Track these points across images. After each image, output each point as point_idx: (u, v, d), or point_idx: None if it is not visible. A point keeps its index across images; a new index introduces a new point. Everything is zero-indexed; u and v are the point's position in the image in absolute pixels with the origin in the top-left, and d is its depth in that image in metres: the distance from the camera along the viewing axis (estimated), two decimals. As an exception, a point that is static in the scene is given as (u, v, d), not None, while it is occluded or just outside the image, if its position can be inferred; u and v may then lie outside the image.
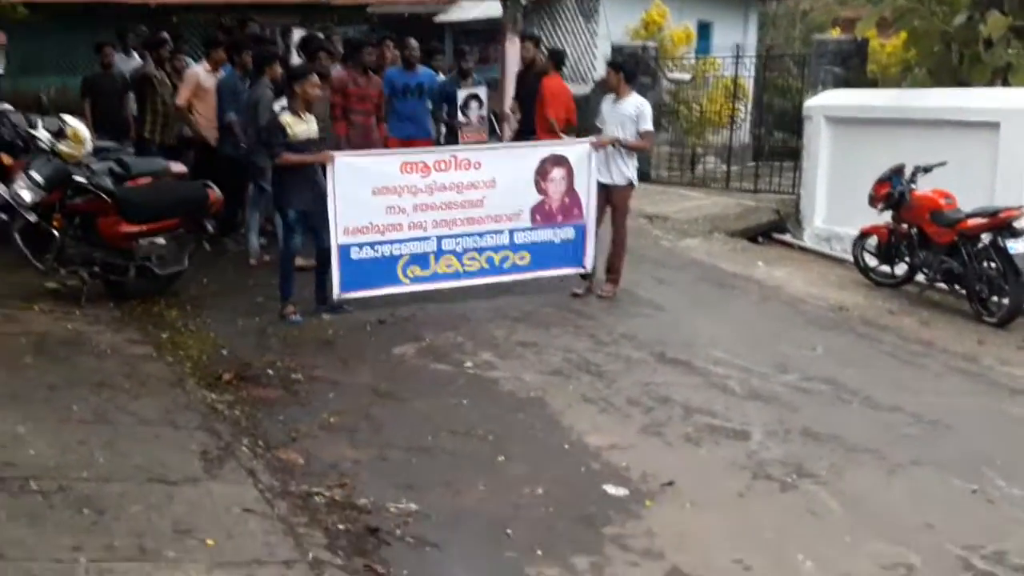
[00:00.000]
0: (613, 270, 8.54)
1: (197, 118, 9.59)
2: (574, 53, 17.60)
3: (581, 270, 8.47)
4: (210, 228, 8.09)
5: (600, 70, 17.16)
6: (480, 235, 8.06)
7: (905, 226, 9.21)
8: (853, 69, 12.79)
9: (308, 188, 7.46)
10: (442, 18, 17.71)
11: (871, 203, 9.53)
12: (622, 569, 4.27)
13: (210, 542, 4.02)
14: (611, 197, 8.41)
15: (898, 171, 9.30)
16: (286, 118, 7.35)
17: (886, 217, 9.43)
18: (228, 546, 4.03)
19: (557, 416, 5.90)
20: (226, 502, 4.41)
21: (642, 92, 15.18)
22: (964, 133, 9.52)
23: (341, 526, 4.44)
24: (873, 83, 13.80)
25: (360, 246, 7.67)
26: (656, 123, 15.81)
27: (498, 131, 11.10)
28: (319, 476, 4.96)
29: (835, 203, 10.92)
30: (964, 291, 8.68)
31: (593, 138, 8.38)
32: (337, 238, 7.55)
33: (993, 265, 8.32)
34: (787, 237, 12.04)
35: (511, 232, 8.17)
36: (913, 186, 9.13)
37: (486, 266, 8.12)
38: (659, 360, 6.92)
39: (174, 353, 6.53)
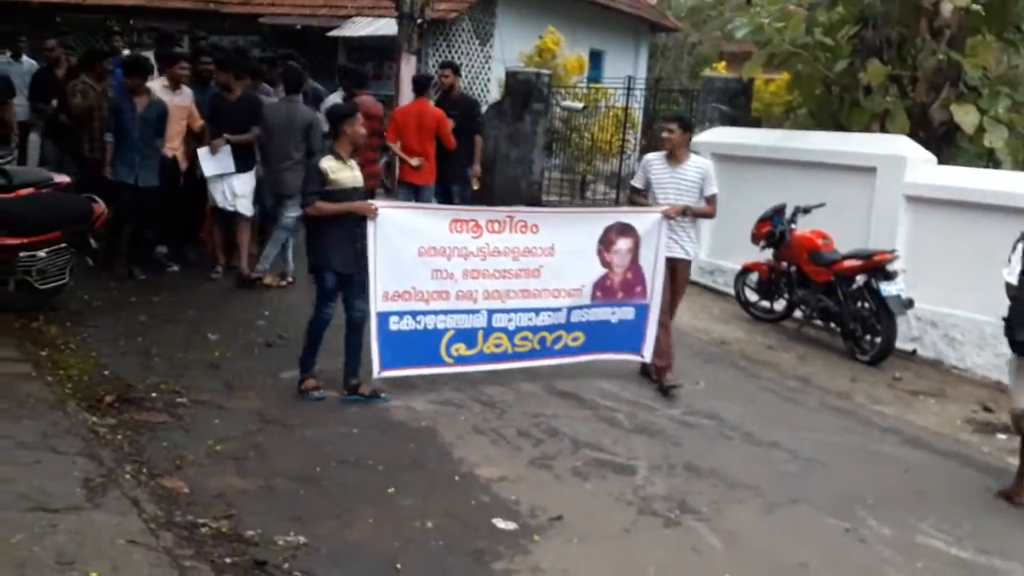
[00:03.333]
0: (665, 354, 7.44)
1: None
2: (468, 75, 17.71)
3: (638, 357, 7.46)
4: (93, 243, 7.88)
5: (494, 93, 17.37)
6: (536, 312, 7.07)
7: (785, 264, 9.54)
8: (739, 107, 13.21)
9: (349, 245, 6.48)
10: (335, 33, 17.57)
11: (753, 240, 9.85)
12: (510, 606, 4.32)
13: (94, 574, 3.92)
14: (672, 271, 7.39)
15: (779, 211, 9.63)
16: (329, 163, 6.38)
17: (767, 254, 9.76)
18: (112, 580, 3.93)
19: (448, 447, 5.92)
20: (110, 533, 4.31)
21: (535, 119, 15.62)
22: (843, 176, 9.91)
23: (228, 559, 4.38)
24: (757, 121, 14.26)
25: (400, 315, 6.69)
26: (548, 149, 16.22)
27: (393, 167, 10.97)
28: (205, 506, 4.87)
29: (719, 238, 11.22)
30: (839, 329, 9.05)
31: (666, 207, 7.26)
32: (376, 304, 6.60)
33: (867, 305, 8.70)
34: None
35: (569, 310, 7.17)
36: (793, 226, 9.47)
37: (537, 347, 7.16)
38: (549, 392, 7.01)
39: (54, 372, 6.36)
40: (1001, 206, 8.51)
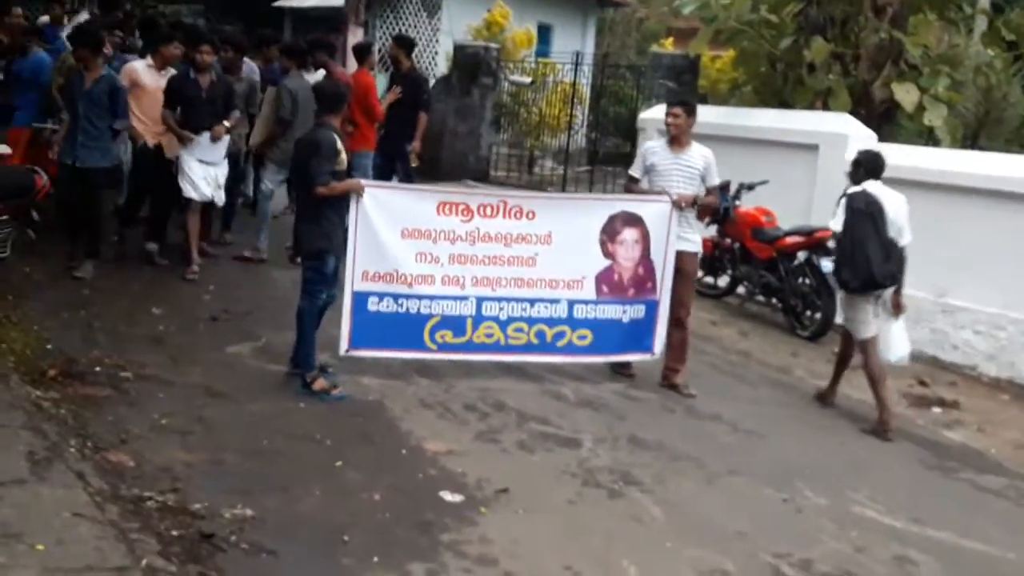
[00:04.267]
0: (679, 358, 7.16)
1: (131, 119, 8.48)
2: (416, 49, 17.59)
3: (649, 356, 7.08)
4: (35, 216, 7.76)
5: (442, 67, 17.32)
6: (531, 302, 6.76)
7: (728, 240, 9.67)
8: (686, 84, 13.35)
9: (343, 227, 6.35)
10: (282, 3, 17.39)
11: (697, 217, 9.93)
12: (457, 576, 4.39)
13: (39, 547, 3.90)
14: (680, 264, 7.04)
15: (723, 187, 9.71)
16: (339, 142, 6.20)
17: (712, 231, 9.88)
18: (58, 552, 3.91)
19: (395, 421, 5.96)
20: (55, 506, 4.28)
21: (483, 93, 15.62)
22: (786, 153, 10.06)
23: (174, 532, 4.37)
24: (704, 98, 14.39)
25: (380, 296, 6.49)
26: (496, 123, 16.23)
27: None
28: (151, 480, 4.85)
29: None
30: (780, 305, 9.21)
31: (674, 194, 6.92)
32: (354, 283, 6.44)
33: (808, 282, 8.87)
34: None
35: (570, 303, 6.83)
36: (737, 202, 9.58)
37: (535, 341, 6.81)
38: (496, 366, 7.03)
39: (-6, 346, 6.26)
40: (937, 184, 8.71)
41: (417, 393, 6.42)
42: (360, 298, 6.46)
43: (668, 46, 20.63)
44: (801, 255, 8.91)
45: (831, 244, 8.66)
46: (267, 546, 4.38)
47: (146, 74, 8.67)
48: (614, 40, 25.51)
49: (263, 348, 6.99)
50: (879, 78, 10.72)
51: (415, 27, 17.80)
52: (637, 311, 6.96)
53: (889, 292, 6.82)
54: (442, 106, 15.45)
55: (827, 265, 8.62)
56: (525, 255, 6.72)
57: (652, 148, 7.20)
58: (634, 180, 7.28)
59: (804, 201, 9.72)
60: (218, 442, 5.42)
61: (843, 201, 6.91)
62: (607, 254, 6.88)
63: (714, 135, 10.91)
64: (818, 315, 8.81)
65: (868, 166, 7.01)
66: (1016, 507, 5.72)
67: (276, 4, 17.24)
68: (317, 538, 4.53)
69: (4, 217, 7.47)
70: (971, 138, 13.33)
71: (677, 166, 6.98)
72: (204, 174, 8.55)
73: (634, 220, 6.88)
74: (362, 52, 10.30)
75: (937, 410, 7.35)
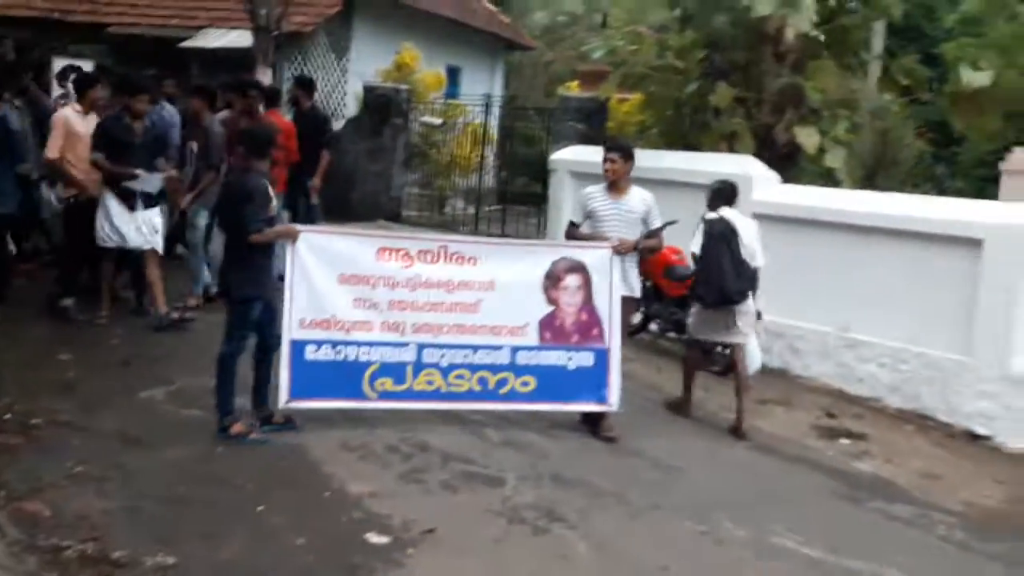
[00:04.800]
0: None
1: (70, 169, 8.41)
2: (324, 89, 17.59)
3: (604, 407, 6.94)
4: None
5: (352, 108, 17.33)
6: (473, 349, 6.67)
7: (641, 278, 9.81)
8: (595, 126, 13.60)
9: (271, 272, 6.35)
10: (188, 44, 17.17)
11: (640, 260, 10.10)
12: (386, 618, 4.36)
13: (-46, 604, 3.79)
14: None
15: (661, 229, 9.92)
16: (270, 188, 6.19)
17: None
18: (-27, 609, 3.81)
19: (318, 463, 5.92)
20: (-31, 560, 4.17)
21: (395, 134, 15.67)
22: (694, 194, 10.18)
23: (95, 583, 4.29)
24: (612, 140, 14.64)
25: (318, 344, 6.37)
26: (407, 165, 16.29)
27: None
28: (68, 528, 4.77)
29: (577, 252, 11.46)
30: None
31: (615, 240, 6.93)
32: (291, 331, 6.30)
33: (718, 318, 9.05)
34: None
35: (513, 350, 6.75)
36: (648, 242, 9.77)
37: (477, 388, 6.70)
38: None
39: None
40: (839, 223, 9.02)
41: (338, 435, 6.37)
42: (298, 346, 6.32)
43: (574, 89, 20.92)
44: (711, 292, 9.09)
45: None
46: (191, 594, 4.31)
47: (77, 121, 8.49)
48: (522, 82, 25.82)
49: (177, 392, 6.89)
50: (781, 121, 11.05)
51: (323, 68, 17.76)
52: (584, 359, 6.87)
53: (742, 307, 7.42)
54: (352, 147, 15.45)
55: (738, 302, 8.85)
56: (467, 301, 6.65)
57: (591, 194, 7.14)
58: (575, 225, 7.22)
59: (712, 240, 9.94)
60: (136, 489, 5.33)
61: (701, 226, 7.51)
62: (550, 300, 6.82)
63: (625, 176, 11.20)
64: (727, 351, 8.99)
65: (724, 195, 7.62)
66: (926, 535, 5.91)
67: (182, 45, 17.01)
68: (242, 584, 4.48)
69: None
70: (869, 178, 13.86)
71: (617, 211, 6.99)
72: (135, 223, 8.30)
73: (576, 266, 6.86)
74: (274, 94, 10.35)
75: (845, 441, 7.55)
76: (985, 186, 17.04)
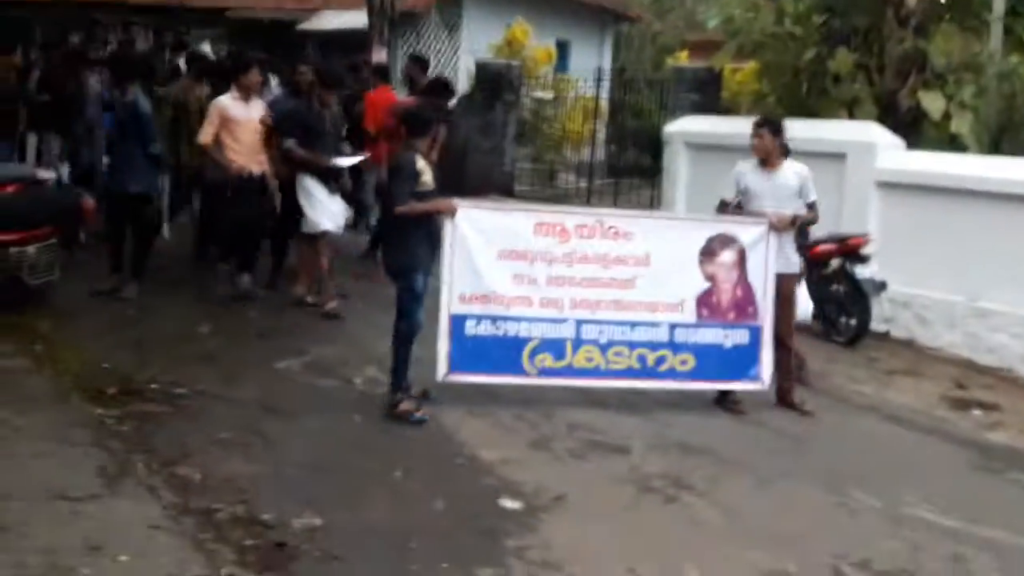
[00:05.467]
0: (787, 377, 7.03)
1: (228, 153, 8.29)
2: (437, 66, 17.78)
3: (757, 385, 6.86)
4: (82, 238, 7.92)
5: (463, 84, 17.49)
6: (631, 325, 6.57)
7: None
8: (708, 96, 13.46)
9: (431, 244, 6.32)
10: (304, 26, 17.58)
11: (799, 234, 10.00)
12: (524, 580, 4.47)
13: (123, 558, 4.03)
14: (779, 286, 6.88)
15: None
16: (421, 163, 6.19)
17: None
18: (141, 564, 4.07)
19: (449, 431, 6.07)
20: (132, 519, 4.44)
21: (506, 109, 15.76)
22: (814, 163, 9.91)
23: (248, 542, 4.48)
24: (726, 110, 14.49)
25: (478, 319, 6.37)
26: (518, 139, 16.38)
27: None
28: (218, 492, 4.97)
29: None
30: (815, 312, 9.26)
31: (772, 216, 6.82)
32: (451, 305, 6.35)
33: (841, 289, 8.93)
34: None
35: (671, 327, 6.64)
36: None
37: (636, 365, 6.61)
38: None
39: (53, 367, 6.41)
40: (968, 190, 8.80)
41: (465, 404, 6.50)
42: (458, 321, 6.34)
43: (684, 59, 20.76)
44: (834, 262, 8.96)
45: (865, 251, 8.79)
46: (337, 553, 4.48)
47: (235, 107, 8.37)
48: (630, 55, 25.66)
49: (311, 363, 7.12)
50: (905, 87, 10.79)
51: (436, 46, 17.98)
52: (740, 336, 6.77)
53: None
54: (465, 123, 15.58)
55: (862, 271, 8.71)
56: (624, 277, 6.56)
57: (743, 171, 7.05)
58: (725, 204, 7.11)
59: (833, 209, 9.75)
60: (278, 455, 5.54)
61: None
62: (707, 276, 6.71)
63: (742, 146, 11.06)
64: (853, 321, 8.88)
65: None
66: (1065, 506, 5.78)
67: (299, 27, 17.43)
68: (384, 545, 4.63)
69: (52, 240, 7.64)
70: (995, 143, 13.39)
71: (772, 187, 6.89)
72: (336, 202, 8.56)
73: (731, 242, 6.74)
74: (384, 71, 10.61)
75: (977, 412, 7.40)
76: (1119, 149, 16.31)
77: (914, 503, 5.55)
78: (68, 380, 6.22)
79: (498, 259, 6.39)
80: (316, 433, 5.90)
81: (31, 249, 7.47)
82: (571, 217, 6.74)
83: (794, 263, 7.03)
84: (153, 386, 6.35)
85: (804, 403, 6.97)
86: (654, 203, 13.22)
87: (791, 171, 6.97)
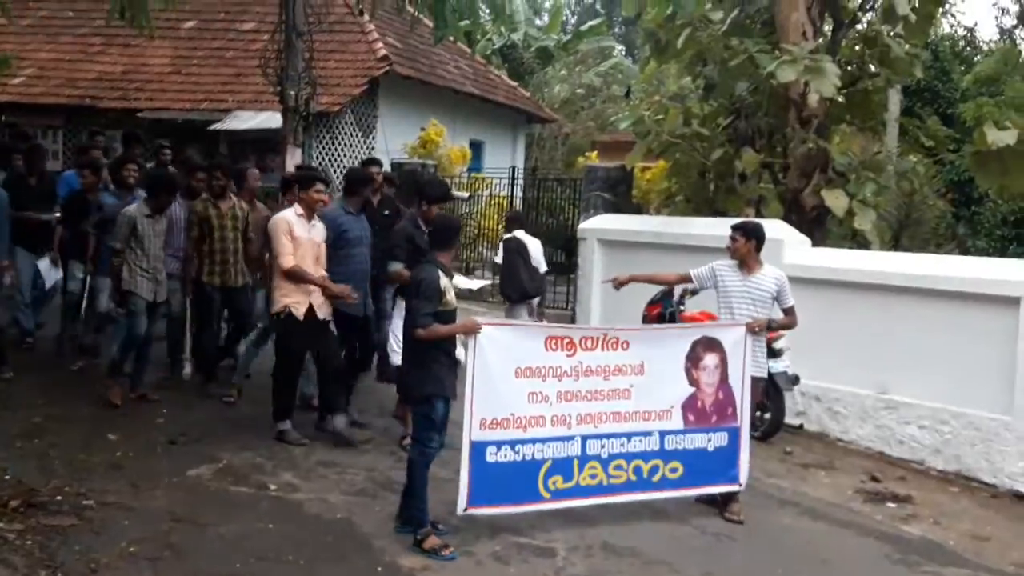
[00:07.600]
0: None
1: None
2: (351, 166, 17.86)
3: (735, 487, 6.86)
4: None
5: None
6: (628, 437, 6.52)
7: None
8: (620, 195, 13.73)
9: (452, 366, 6.04)
10: (218, 127, 17.52)
11: (644, 321, 10.11)
12: None
13: None
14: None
15: (668, 293, 9.97)
16: (444, 281, 5.90)
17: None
18: None
19: (367, 538, 5.93)
20: (34, 643, 4.20)
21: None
22: (724, 258, 10.35)
23: (157, 663, 4.31)
24: (637, 208, 14.80)
25: (498, 445, 6.04)
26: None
27: None
28: (126, 610, 4.78)
29: (608, 319, 11.53)
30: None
31: (750, 320, 6.92)
32: (472, 432, 5.97)
33: (757, 383, 9.04)
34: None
35: (662, 435, 6.63)
36: (682, 307, 9.79)
37: (633, 478, 6.54)
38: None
39: (-50, 480, 6.11)
40: (872, 284, 9.08)
41: (385, 508, 6.37)
42: (478, 448, 5.99)
43: (594, 159, 21.21)
44: (747, 357, 9.09)
45: (777, 346, 8.94)
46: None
47: (299, 225, 7.54)
48: (542, 155, 26.12)
49: (224, 470, 6.93)
50: (809, 186, 11.15)
51: (351, 146, 18.08)
52: (720, 439, 6.80)
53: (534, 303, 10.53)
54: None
55: (775, 365, 8.84)
56: (621, 387, 6.50)
57: (722, 269, 7.18)
58: (687, 279, 7.50)
59: (746, 305, 9.98)
60: (190, 567, 5.36)
61: (502, 244, 10.52)
62: (691, 381, 6.73)
63: (653, 243, 11.30)
64: (767, 415, 8.99)
65: (518, 222, 10.98)
66: (981, 597, 5.86)
67: (212, 127, 17.36)
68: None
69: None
70: (894, 239, 13.92)
71: (747, 290, 7.01)
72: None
73: (713, 344, 6.80)
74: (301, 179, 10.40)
75: (892, 505, 7.50)
76: (1008, 245, 17.07)
77: (836, 599, 5.57)
78: (-34, 494, 5.94)
79: (516, 378, 6.15)
80: (229, 543, 5.69)
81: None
82: (578, 331, 6.80)
83: (762, 366, 7.12)
84: (59, 498, 6.10)
85: (739, 513, 6.81)
86: (569, 299, 13.36)
87: (769, 276, 7.07)
